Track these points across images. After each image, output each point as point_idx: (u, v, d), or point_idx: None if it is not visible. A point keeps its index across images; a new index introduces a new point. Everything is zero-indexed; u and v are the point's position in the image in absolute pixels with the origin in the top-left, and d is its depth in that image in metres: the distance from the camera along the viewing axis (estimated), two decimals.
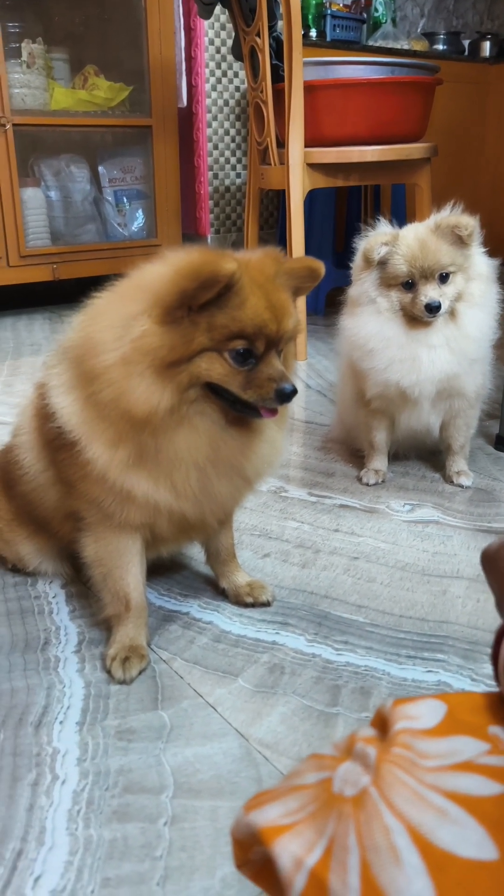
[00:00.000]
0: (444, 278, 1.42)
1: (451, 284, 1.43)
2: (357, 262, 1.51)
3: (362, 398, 1.57)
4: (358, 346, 1.50)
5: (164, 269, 0.87)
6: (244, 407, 0.91)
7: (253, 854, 0.50)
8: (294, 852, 0.44)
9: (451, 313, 1.45)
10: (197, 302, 0.84)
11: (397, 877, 0.40)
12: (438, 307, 1.40)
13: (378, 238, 1.44)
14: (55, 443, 0.99)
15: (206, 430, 0.91)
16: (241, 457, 0.96)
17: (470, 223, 1.41)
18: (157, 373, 0.85)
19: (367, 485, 1.60)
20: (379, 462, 1.63)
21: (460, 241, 1.42)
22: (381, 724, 0.51)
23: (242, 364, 0.88)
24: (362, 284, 1.49)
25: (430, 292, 1.41)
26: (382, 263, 1.44)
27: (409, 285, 1.43)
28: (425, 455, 1.75)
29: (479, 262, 1.47)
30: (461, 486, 1.59)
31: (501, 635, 0.52)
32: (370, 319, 1.48)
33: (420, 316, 1.42)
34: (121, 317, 0.88)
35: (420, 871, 0.40)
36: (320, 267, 0.96)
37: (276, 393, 0.89)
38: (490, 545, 0.68)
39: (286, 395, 0.90)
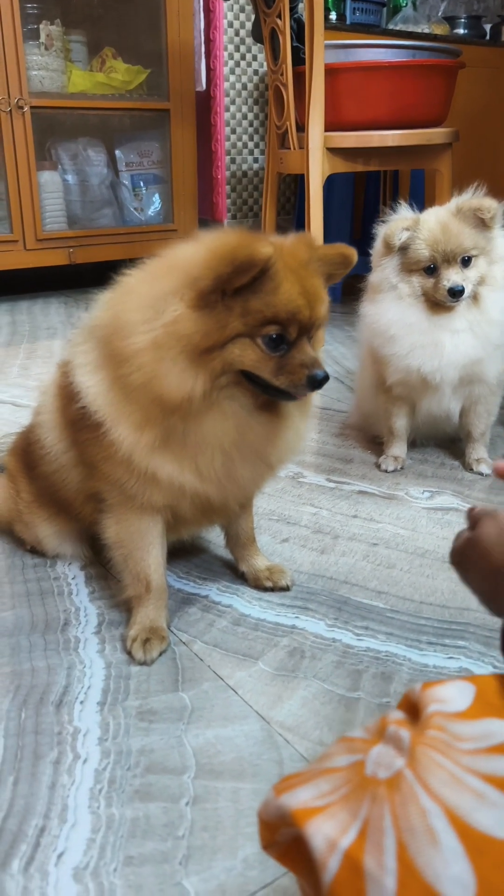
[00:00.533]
0: (466, 262, 1.41)
1: (473, 268, 1.42)
2: (377, 247, 1.49)
3: (383, 384, 1.56)
4: (379, 333, 1.48)
5: (199, 250, 0.86)
6: (276, 391, 0.90)
7: (280, 835, 0.50)
8: (328, 834, 0.44)
9: (475, 297, 1.43)
10: (232, 286, 0.82)
11: (435, 859, 0.40)
12: (462, 291, 1.39)
13: (399, 223, 1.42)
14: (78, 423, 0.99)
15: (235, 415, 0.90)
16: (266, 442, 0.95)
17: (493, 205, 1.39)
18: (191, 359, 0.84)
19: (386, 471, 1.59)
20: (398, 448, 1.62)
21: (482, 224, 1.40)
22: (411, 708, 0.51)
23: (275, 350, 0.87)
24: (383, 270, 1.47)
25: (453, 276, 1.39)
26: (403, 249, 1.43)
27: (431, 270, 1.42)
28: (444, 443, 1.74)
29: (502, 244, 1.45)
30: (481, 474, 1.57)
31: None
32: (391, 306, 1.46)
33: (443, 301, 1.41)
34: (151, 297, 0.86)
35: (458, 854, 0.40)
36: (353, 254, 0.95)
37: (308, 379, 0.89)
38: (453, 546, 0.68)
39: (318, 382, 0.89)
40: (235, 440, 0.92)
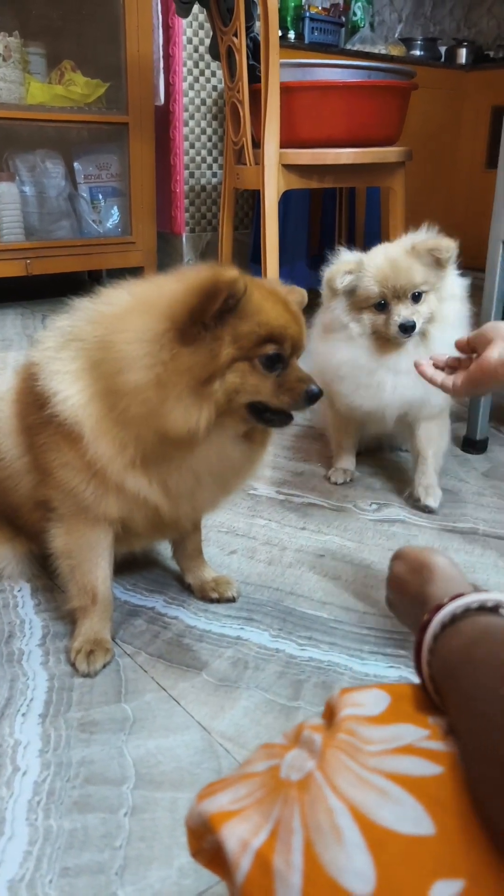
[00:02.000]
0: (416, 298, 1.40)
1: (424, 304, 1.40)
2: (324, 291, 1.48)
3: (332, 403, 1.57)
4: (329, 371, 1.47)
5: (176, 287, 0.87)
6: (269, 418, 0.92)
7: (206, 842, 0.52)
8: (241, 835, 0.46)
9: (423, 335, 1.42)
10: (207, 315, 0.84)
11: (339, 854, 0.42)
12: (413, 326, 1.38)
13: (340, 267, 1.40)
14: (37, 427, 0.98)
15: (220, 444, 0.92)
16: (236, 470, 0.98)
17: (451, 246, 1.38)
18: (195, 393, 0.85)
19: (336, 484, 1.62)
20: (347, 461, 1.64)
21: (437, 263, 1.39)
22: (329, 713, 0.53)
23: (272, 369, 0.90)
24: (332, 311, 1.46)
25: (404, 312, 1.38)
26: (350, 291, 1.42)
27: (382, 306, 1.40)
28: (394, 453, 1.78)
29: (452, 282, 1.44)
30: (427, 508, 1.48)
31: (419, 646, 0.54)
32: (342, 346, 1.45)
33: (395, 337, 1.39)
34: (148, 332, 0.86)
35: (361, 848, 0.42)
36: (306, 297, 1.01)
37: (307, 394, 0.91)
38: (385, 597, 0.71)
39: (315, 396, 0.92)
40: (212, 467, 0.94)
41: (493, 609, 0.54)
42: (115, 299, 0.95)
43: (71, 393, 0.92)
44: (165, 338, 0.85)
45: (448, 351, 1.41)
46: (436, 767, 0.45)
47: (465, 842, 0.42)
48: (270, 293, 0.91)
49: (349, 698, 0.51)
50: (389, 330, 1.40)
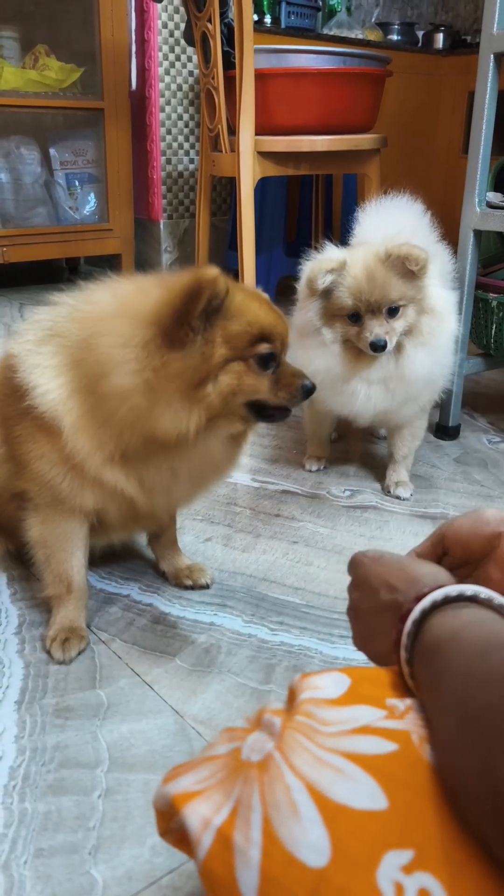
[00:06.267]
0: (392, 312, 1.34)
1: (401, 318, 1.35)
2: (302, 289, 1.43)
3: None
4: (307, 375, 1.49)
5: (160, 292, 0.87)
6: (268, 414, 0.94)
7: (174, 822, 0.54)
8: (203, 814, 0.48)
9: (398, 348, 1.37)
10: (192, 316, 0.84)
11: (295, 829, 0.44)
12: (384, 346, 1.32)
13: (323, 265, 1.32)
14: (15, 419, 0.99)
15: (207, 445, 0.93)
16: (216, 468, 0.99)
17: (421, 257, 1.29)
18: (185, 397, 0.86)
19: (310, 471, 1.64)
20: (320, 449, 1.66)
21: (412, 274, 1.32)
22: (291, 697, 0.55)
23: (266, 368, 0.91)
24: (306, 314, 1.40)
25: (377, 329, 1.32)
26: (327, 293, 1.36)
27: (355, 318, 1.35)
28: (368, 437, 1.80)
29: (433, 294, 1.38)
30: (398, 498, 1.54)
31: (402, 623, 0.56)
32: (317, 353, 1.41)
33: (365, 352, 1.36)
34: (135, 337, 0.86)
35: (316, 823, 0.44)
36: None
37: (302, 389, 0.93)
38: (355, 554, 0.72)
39: (310, 390, 0.95)
40: (193, 466, 0.95)
41: (486, 602, 0.54)
42: (98, 299, 0.95)
43: (51, 388, 0.93)
44: (153, 344, 0.85)
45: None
46: (390, 745, 0.47)
47: (416, 814, 0.44)
48: (252, 293, 0.92)
49: (308, 682, 0.53)
50: (360, 344, 1.35)
